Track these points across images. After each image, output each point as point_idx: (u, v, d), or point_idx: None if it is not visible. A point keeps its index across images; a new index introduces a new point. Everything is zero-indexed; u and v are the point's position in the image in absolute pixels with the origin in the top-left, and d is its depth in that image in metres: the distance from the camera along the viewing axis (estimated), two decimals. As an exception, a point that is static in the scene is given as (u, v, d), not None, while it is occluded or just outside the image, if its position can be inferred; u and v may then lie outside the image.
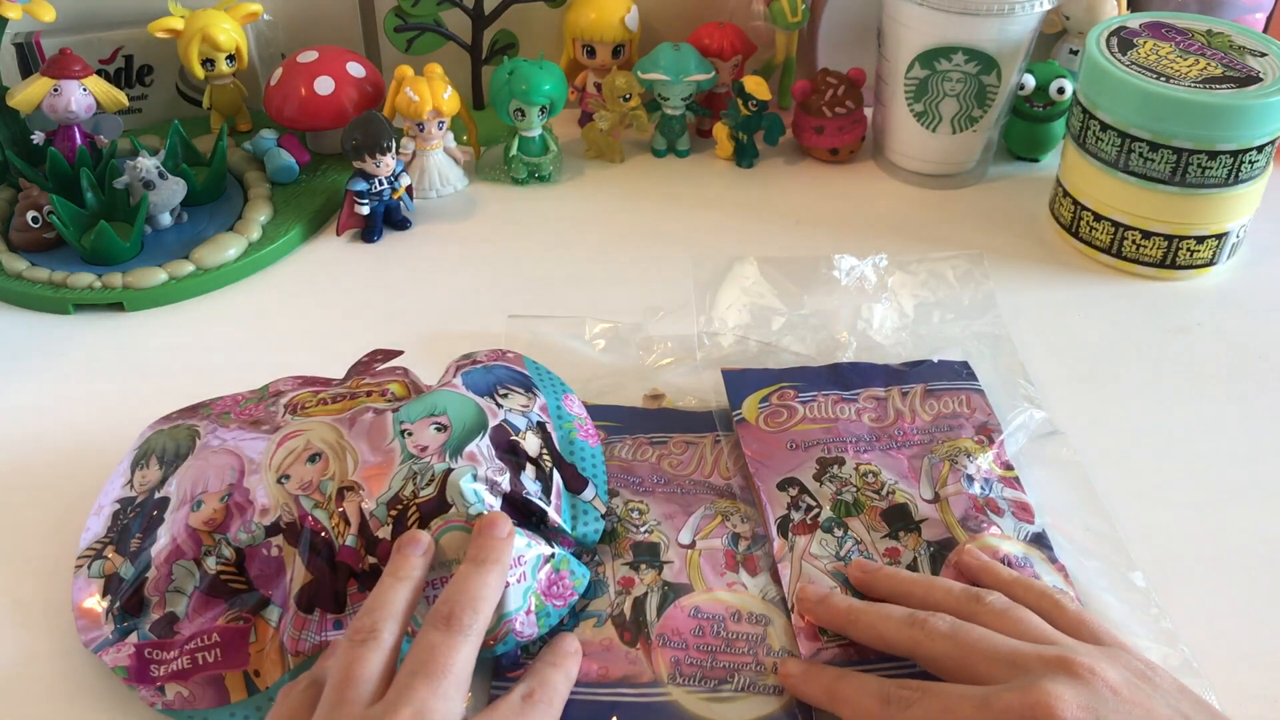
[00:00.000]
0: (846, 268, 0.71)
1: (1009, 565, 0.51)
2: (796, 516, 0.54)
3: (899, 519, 0.54)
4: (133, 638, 0.48)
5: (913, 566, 0.52)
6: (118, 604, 0.49)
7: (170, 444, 0.55)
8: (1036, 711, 0.39)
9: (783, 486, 0.56)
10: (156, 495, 0.52)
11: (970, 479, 0.56)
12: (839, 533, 0.53)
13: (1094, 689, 0.40)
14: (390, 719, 0.39)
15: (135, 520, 0.52)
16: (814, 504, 0.55)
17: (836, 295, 0.70)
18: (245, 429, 0.53)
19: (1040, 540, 0.53)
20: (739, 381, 0.62)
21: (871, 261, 0.71)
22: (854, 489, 0.55)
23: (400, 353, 0.60)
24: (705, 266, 0.72)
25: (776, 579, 0.52)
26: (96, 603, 0.50)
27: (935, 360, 0.64)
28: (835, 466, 0.57)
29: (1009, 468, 0.57)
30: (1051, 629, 0.45)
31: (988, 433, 0.59)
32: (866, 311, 0.68)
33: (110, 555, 0.51)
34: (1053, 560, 0.53)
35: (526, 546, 0.48)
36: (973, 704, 0.41)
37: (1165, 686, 0.42)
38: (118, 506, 0.53)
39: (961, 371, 0.63)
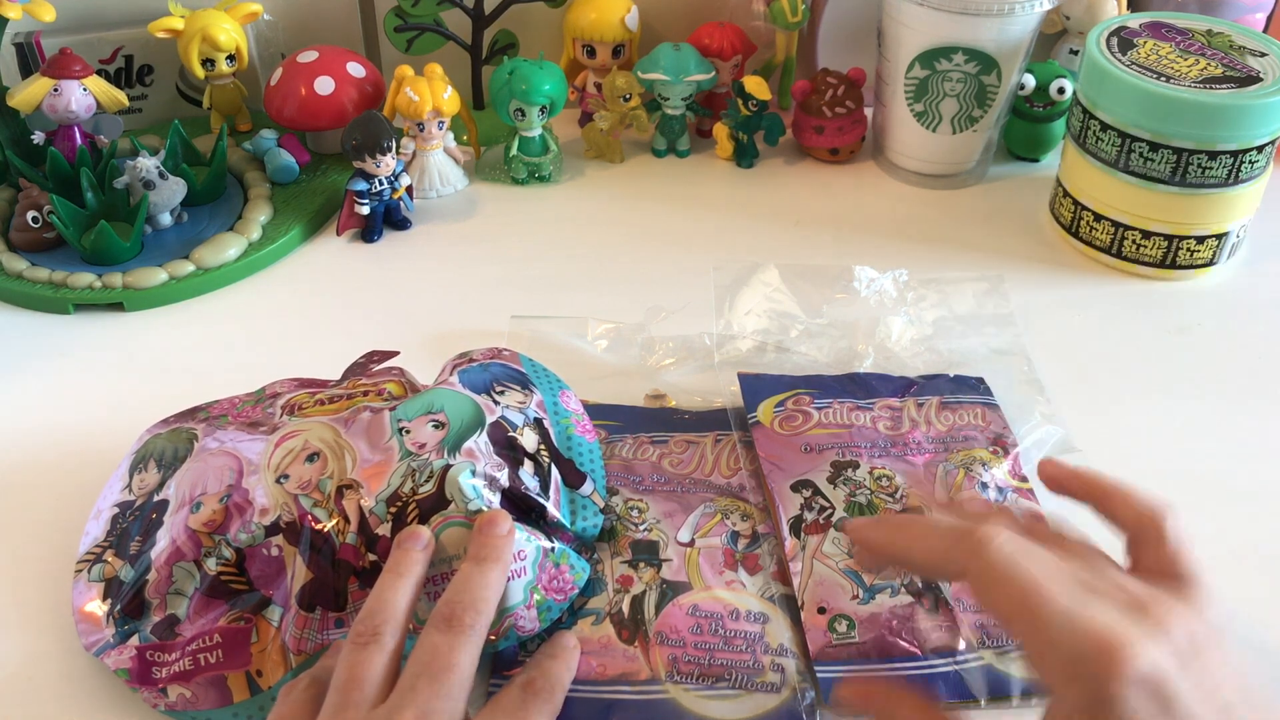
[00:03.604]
0: (867, 280, 0.71)
1: None
2: (809, 517, 0.54)
3: None
4: (134, 640, 0.48)
5: None
6: (118, 607, 0.49)
7: (168, 447, 0.55)
8: (1116, 653, 0.34)
9: (796, 488, 0.56)
10: (155, 498, 0.52)
11: (985, 486, 0.56)
12: None
13: (1172, 643, 0.35)
14: None
15: (134, 524, 0.52)
16: (827, 504, 0.55)
17: (856, 306, 0.70)
18: (243, 431, 0.53)
19: None
20: (755, 385, 0.62)
21: (892, 275, 0.71)
22: (868, 492, 0.55)
23: (396, 353, 0.60)
24: (726, 271, 0.72)
25: (776, 578, 0.52)
26: (97, 606, 0.50)
27: (951, 375, 0.64)
28: (849, 470, 0.57)
29: (1024, 480, 0.57)
30: (1123, 572, 0.39)
31: (1003, 444, 0.59)
32: (885, 324, 0.68)
33: (110, 559, 0.51)
34: None
35: (526, 541, 0.48)
36: (1058, 601, 0.36)
37: (1226, 660, 0.37)
38: (116, 510, 0.53)
39: (977, 386, 0.63)
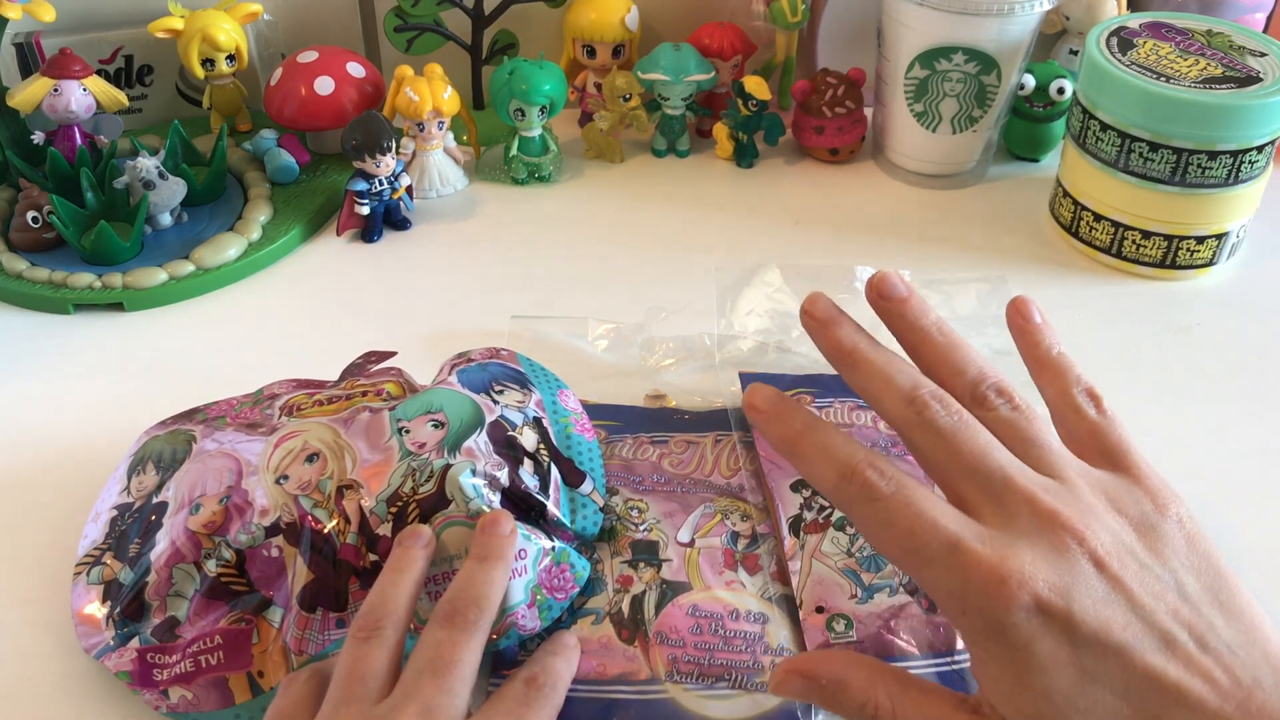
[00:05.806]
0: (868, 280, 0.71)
1: None
2: (809, 516, 0.54)
3: None
4: (134, 643, 0.48)
5: None
6: (118, 610, 0.49)
7: (166, 449, 0.55)
8: (1002, 586, 0.35)
9: (796, 487, 0.56)
10: (154, 500, 0.52)
11: None
12: (851, 530, 0.53)
13: (1073, 563, 0.36)
14: (397, 716, 0.39)
15: (133, 526, 0.52)
16: (827, 504, 0.55)
17: (858, 307, 0.70)
18: (241, 432, 0.53)
19: None
20: None
21: None
22: None
23: (394, 353, 0.60)
24: (728, 271, 0.71)
25: (776, 578, 0.52)
26: (96, 609, 0.50)
27: None
28: None
29: None
30: (1060, 449, 0.40)
31: None
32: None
33: (109, 561, 0.51)
34: None
35: (527, 541, 0.48)
36: (941, 539, 0.37)
37: (1168, 548, 0.38)
38: (115, 513, 0.53)
39: None
